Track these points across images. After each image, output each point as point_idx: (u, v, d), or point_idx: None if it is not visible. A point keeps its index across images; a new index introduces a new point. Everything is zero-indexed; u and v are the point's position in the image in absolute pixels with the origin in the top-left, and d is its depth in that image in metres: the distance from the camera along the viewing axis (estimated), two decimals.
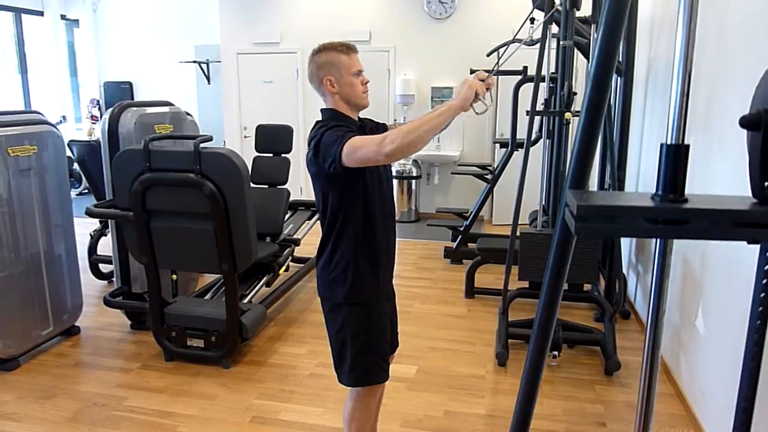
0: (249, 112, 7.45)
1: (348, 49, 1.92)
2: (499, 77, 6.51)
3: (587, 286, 3.96)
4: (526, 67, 4.85)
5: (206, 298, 3.74)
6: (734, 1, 2.53)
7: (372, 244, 1.97)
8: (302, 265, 4.53)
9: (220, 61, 7.75)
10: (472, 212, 5.23)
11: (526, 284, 3.65)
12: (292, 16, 7.14)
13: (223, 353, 3.23)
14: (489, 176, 5.11)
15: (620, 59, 3.53)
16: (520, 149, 5.00)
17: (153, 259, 3.19)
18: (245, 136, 7.52)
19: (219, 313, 3.21)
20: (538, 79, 3.36)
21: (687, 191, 0.85)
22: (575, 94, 3.51)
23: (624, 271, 3.89)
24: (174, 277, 3.68)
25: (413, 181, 6.88)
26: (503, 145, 5.04)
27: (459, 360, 3.39)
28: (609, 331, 3.24)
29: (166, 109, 3.79)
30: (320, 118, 1.96)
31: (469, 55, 6.38)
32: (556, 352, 3.21)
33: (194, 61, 8.25)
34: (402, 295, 3.53)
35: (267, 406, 2.90)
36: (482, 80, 1.78)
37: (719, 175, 2.57)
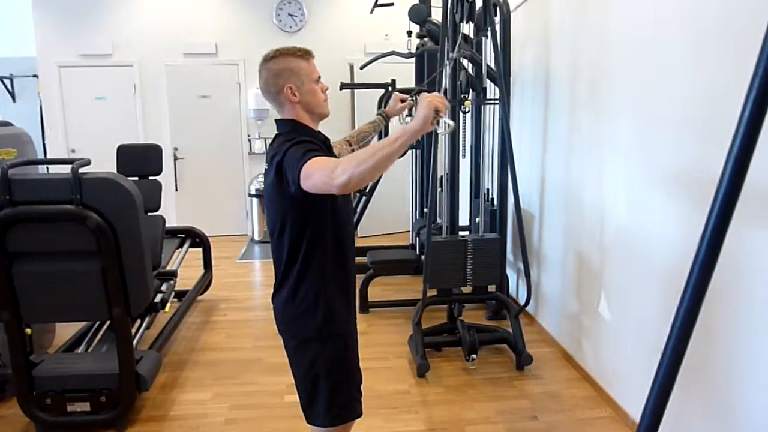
0: (78, 132, 6.53)
1: (306, 53, 1.74)
2: (355, 90, 6.63)
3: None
4: (394, 80, 4.96)
5: (79, 351, 3.15)
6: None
7: (343, 270, 1.80)
8: (181, 300, 4.06)
9: (33, 76, 6.71)
10: None
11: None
12: (126, 26, 6.44)
13: (116, 414, 2.73)
14: (365, 189, 5.10)
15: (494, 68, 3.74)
16: None
17: (16, 313, 2.59)
18: None
19: (109, 368, 2.71)
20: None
21: None
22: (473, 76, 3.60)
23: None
24: (28, 331, 3.03)
25: None
26: None
27: (379, 377, 3.29)
28: (516, 328, 3.40)
29: (5, 130, 3.13)
30: (278, 131, 1.75)
31: (325, 68, 6.29)
32: (474, 356, 3.28)
33: None
34: None
35: None
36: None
37: None
